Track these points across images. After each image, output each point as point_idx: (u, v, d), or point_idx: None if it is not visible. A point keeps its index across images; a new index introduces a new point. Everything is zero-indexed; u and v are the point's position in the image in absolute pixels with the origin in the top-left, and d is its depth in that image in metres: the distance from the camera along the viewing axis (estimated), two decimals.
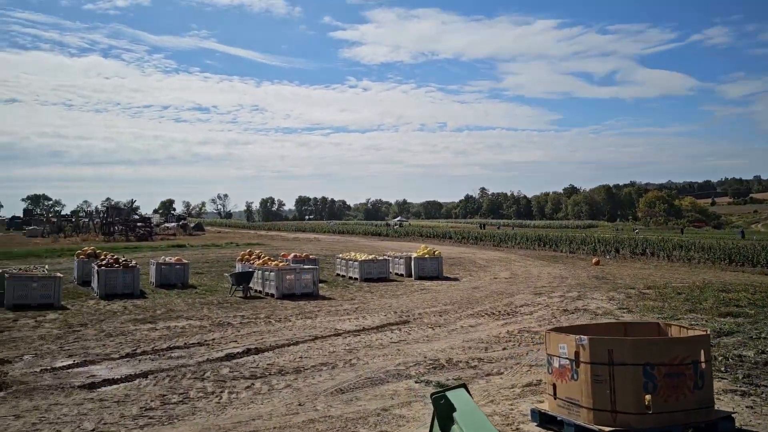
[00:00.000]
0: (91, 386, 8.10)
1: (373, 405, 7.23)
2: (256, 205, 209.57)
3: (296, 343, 11.00)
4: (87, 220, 67.84)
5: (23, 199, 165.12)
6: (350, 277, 23.11)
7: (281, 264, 20.09)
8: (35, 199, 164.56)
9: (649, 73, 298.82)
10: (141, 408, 7.13)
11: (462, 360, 9.60)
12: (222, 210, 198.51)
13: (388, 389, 7.92)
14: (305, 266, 19.89)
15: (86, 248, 23.90)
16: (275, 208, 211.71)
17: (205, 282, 21.70)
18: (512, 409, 7.01)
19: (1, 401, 7.47)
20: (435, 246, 34.28)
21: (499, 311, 14.84)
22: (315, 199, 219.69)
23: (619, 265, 30.00)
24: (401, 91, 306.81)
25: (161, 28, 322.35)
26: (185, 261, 21.71)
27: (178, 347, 10.70)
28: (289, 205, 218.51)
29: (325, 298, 17.68)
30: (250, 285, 18.53)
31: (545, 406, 6.48)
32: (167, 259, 22.17)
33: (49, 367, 9.18)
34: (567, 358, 6.07)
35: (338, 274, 24.23)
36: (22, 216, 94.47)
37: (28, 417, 6.79)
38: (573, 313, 14.52)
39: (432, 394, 3.82)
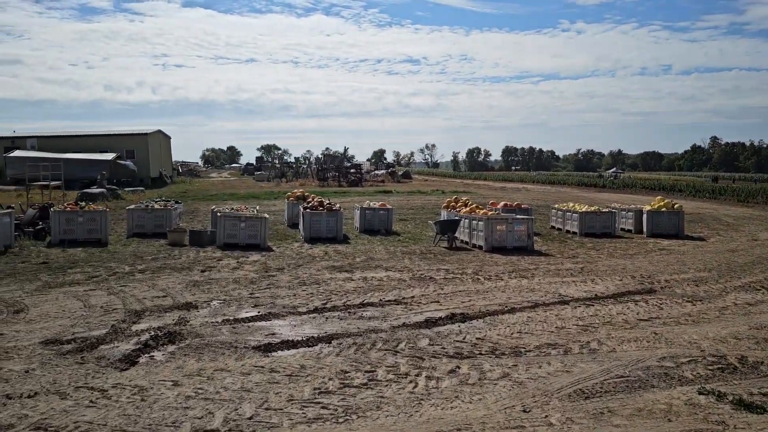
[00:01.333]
0: (267, 348, 6.74)
1: (640, 431, 4.76)
2: (462, 155, 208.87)
3: (512, 311, 8.78)
4: (305, 166, 71.98)
5: (258, 149, 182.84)
6: (567, 231, 20.13)
7: (490, 213, 17.87)
8: (267, 149, 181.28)
9: None
10: (315, 389, 5.50)
11: (764, 359, 6.59)
12: (429, 160, 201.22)
13: (657, 401, 5.35)
14: (518, 216, 17.43)
15: (296, 191, 23.98)
16: (481, 158, 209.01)
17: (409, 229, 20.37)
18: None
19: (169, 358, 6.39)
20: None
21: None
22: (522, 149, 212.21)
23: None
24: (620, 32, 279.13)
25: None
26: (389, 206, 20.52)
27: (372, 304, 9.12)
28: (495, 155, 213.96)
29: (541, 253, 15.14)
30: (456, 235, 16.64)
31: None
32: (372, 203, 21.20)
33: (231, 318, 8.12)
34: None
35: (553, 227, 21.36)
36: (254, 163, 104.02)
37: (186, 386, 5.52)
38: None
39: None
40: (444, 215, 20.15)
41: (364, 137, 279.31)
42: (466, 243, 16.73)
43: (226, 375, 5.84)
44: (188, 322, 7.89)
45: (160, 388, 5.47)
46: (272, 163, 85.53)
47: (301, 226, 18.25)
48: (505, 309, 8.87)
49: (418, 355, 6.59)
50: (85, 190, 30.24)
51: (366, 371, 6.02)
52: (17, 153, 44.42)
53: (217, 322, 7.91)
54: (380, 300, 9.41)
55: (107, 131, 54.54)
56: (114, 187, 34.46)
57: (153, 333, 7.29)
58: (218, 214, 16.46)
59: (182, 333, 7.30)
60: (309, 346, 6.86)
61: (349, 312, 8.58)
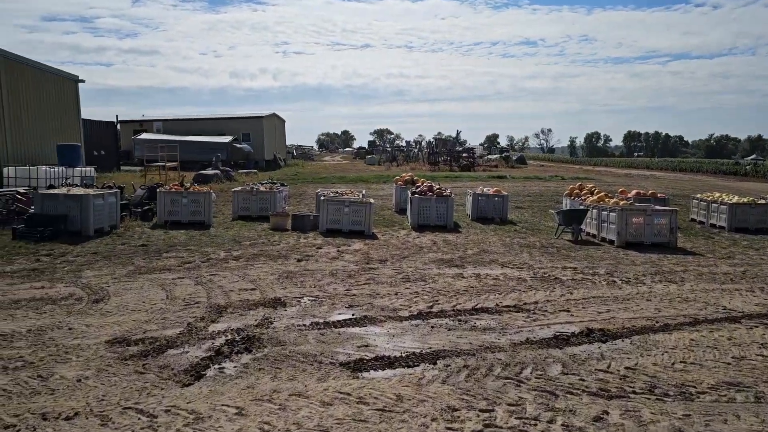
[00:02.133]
0: (357, 366, 5.48)
1: None
2: (580, 141, 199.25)
3: (665, 328, 6.96)
4: (416, 150, 70.86)
5: (371, 133, 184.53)
6: (712, 225, 17.42)
7: (622, 202, 15.66)
8: (380, 133, 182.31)
9: None
10: None
11: None
12: (544, 145, 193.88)
13: None
14: (656, 207, 15.11)
15: (404, 174, 22.75)
16: (600, 143, 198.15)
17: (526, 218, 18.53)
18: None
19: (241, 372, 5.31)
20: None
21: None
22: (646, 134, 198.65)
23: None
24: (764, 5, 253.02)
25: None
26: (504, 193, 18.76)
27: (487, 310, 7.63)
28: (616, 140, 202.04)
29: (686, 251, 12.87)
30: (581, 226, 14.66)
31: None
32: (485, 189, 19.53)
33: (321, 321, 6.96)
34: None
35: (693, 219, 18.65)
36: (366, 147, 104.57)
37: (250, 418, 4.37)
38: None
39: None
40: (567, 204, 18.10)
41: (477, 121, 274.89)
42: (593, 236, 14.72)
43: (303, 404, 4.62)
44: (272, 323, 6.82)
45: (220, 418, 4.36)
46: (383, 147, 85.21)
47: (408, 213, 17.02)
48: (657, 325, 7.06)
49: (549, 388, 5.05)
50: (200, 172, 30.85)
51: (481, 410, 4.58)
52: (144, 135, 46.70)
53: (304, 325, 6.77)
54: (497, 305, 7.90)
55: (225, 115, 56.25)
56: (228, 168, 35.03)
57: (229, 336, 6.27)
58: (321, 198, 15.56)
59: (262, 339, 6.22)
60: (409, 367, 5.52)
61: (459, 320, 7.15)
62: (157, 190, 15.81)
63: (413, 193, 16.92)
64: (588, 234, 14.90)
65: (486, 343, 6.25)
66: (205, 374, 5.26)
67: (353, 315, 7.25)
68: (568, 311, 7.67)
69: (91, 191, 13.80)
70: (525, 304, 7.99)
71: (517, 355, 5.88)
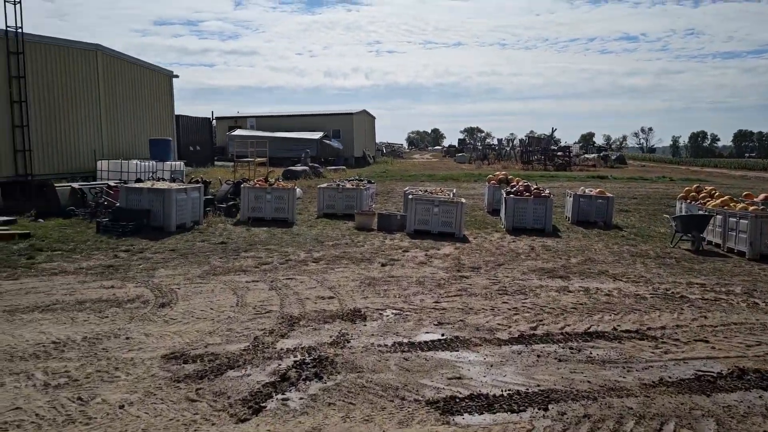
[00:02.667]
0: (447, 407, 4.44)
1: None
2: (683, 140, 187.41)
3: None
4: (509, 148, 68.64)
5: (461, 131, 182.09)
6: None
7: (752, 208, 13.65)
8: (470, 131, 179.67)
9: None
10: None
11: None
12: (644, 144, 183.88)
13: None
14: None
15: (498, 173, 21.40)
16: (707, 143, 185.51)
17: (633, 223, 16.74)
18: None
19: (306, 406, 4.40)
20: None
21: None
22: (759, 133, 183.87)
23: None
24: None
25: None
26: (609, 194, 17.05)
27: (603, 335, 6.36)
28: (725, 140, 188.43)
29: None
30: (702, 234, 12.85)
31: None
32: (586, 190, 17.88)
33: (405, 341, 5.97)
34: None
35: None
36: (456, 145, 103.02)
37: None
38: None
39: None
40: (682, 208, 16.17)
41: (572, 120, 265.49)
42: (717, 245, 12.88)
43: None
44: (348, 341, 5.90)
45: None
46: (473, 145, 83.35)
47: (502, 214, 15.75)
48: None
49: None
50: (289, 168, 30.78)
51: None
52: (237, 132, 47.65)
53: (385, 346, 5.81)
54: (614, 328, 6.60)
55: (316, 111, 56.61)
56: (316, 165, 34.86)
57: (299, 357, 5.40)
58: (409, 196, 14.60)
59: (335, 362, 5.30)
60: (513, 411, 4.41)
61: (571, 347, 5.94)
62: (241, 185, 15.41)
63: (508, 193, 15.65)
64: (710, 243, 13.07)
65: (609, 382, 5.02)
66: (266, 406, 4.39)
67: (443, 335, 6.20)
68: (707, 341, 6.26)
69: (174, 186, 13.54)
70: (649, 329, 6.64)
71: (652, 403, 4.62)
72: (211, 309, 6.96)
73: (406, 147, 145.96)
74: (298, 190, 16.26)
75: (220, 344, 5.74)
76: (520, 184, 17.12)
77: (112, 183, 15.37)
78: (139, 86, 21.77)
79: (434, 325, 6.58)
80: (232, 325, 6.34)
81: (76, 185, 15.24)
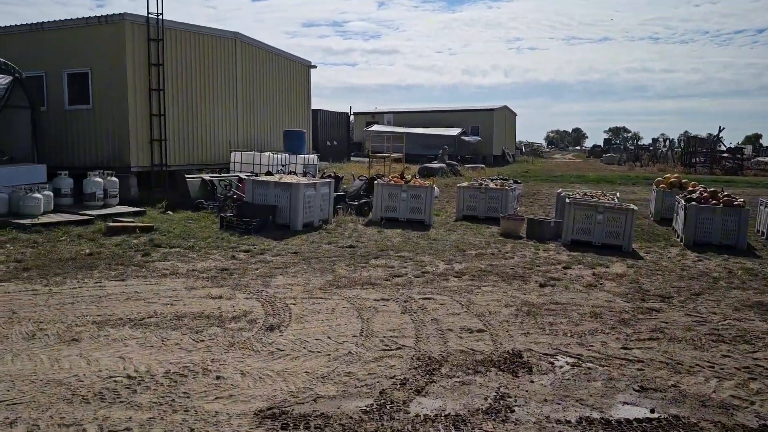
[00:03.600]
0: None
1: None
2: None
3: None
4: (666, 149, 62.41)
5: (605, 131, 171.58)
6: None
7: None
8: (615, 131, 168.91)
9: None
10: None
11: None
12: None
13: None
14: None
15: (669, 176, 18.37)
16: None
17: None
18: None
19: None
20: None
21: None
22: None
23: None
24: None
25: None
26: None
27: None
28: None
29: None
30: None
31: None
32: None
33: (596, 417, 4.04)
34: None
35: None
36: (601, 145, 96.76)
37: None
38: None
39: None
40: None
41: (735, 120, 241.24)
42: None
43: None
44: (512, 411, 4.10)
45: None
46: (624, 145, 77.18)
47: (678, 224, 13.05)
48: None
49: None
50: (425, 164, 29.33)
51: None
52: (375, 127, 47.11)
53: (567, 423, 3.94)
54: None
55: (454, 107, 54.79)
56: (454, 162, 33.11)
57: None
58: (567, 200, 12.41)
59: None
60: None
61: (706, 414, 3.70)
62: (375, 182, 14.05)
63: (687, 200, 12.89)
64: None
65: None
66: None
67: (653, 411, 4.20)
68: None
69: (303, 180, 12.43)
70: None
71: None
72: (329, 338, 5.46)
73: (545, 146, 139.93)
74: (435, 189, 14.63)
75: (335, 398, 4.18)
76: (700, 189, 14.23)
77: (242, 175, 14.67)
78: (276, 75, 21.32)
79: (634, 390, 4.58)
80: (351, 367, 4.78)
81: (207, 177, 14.71)
